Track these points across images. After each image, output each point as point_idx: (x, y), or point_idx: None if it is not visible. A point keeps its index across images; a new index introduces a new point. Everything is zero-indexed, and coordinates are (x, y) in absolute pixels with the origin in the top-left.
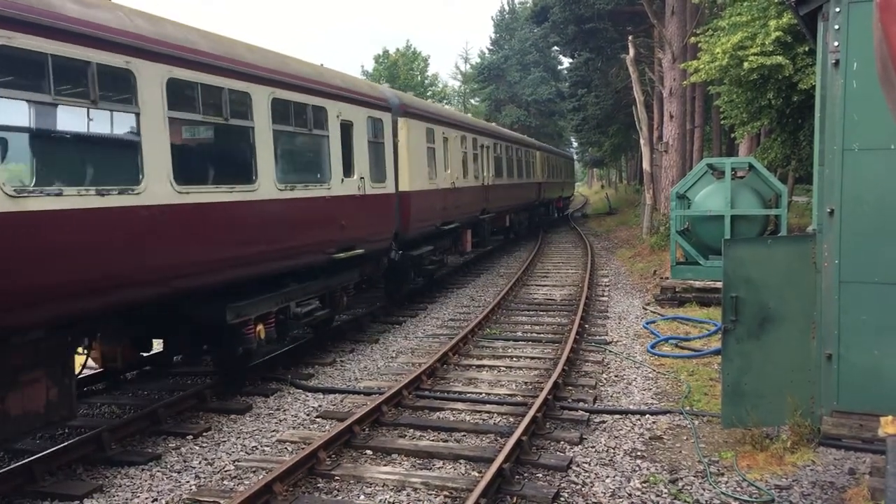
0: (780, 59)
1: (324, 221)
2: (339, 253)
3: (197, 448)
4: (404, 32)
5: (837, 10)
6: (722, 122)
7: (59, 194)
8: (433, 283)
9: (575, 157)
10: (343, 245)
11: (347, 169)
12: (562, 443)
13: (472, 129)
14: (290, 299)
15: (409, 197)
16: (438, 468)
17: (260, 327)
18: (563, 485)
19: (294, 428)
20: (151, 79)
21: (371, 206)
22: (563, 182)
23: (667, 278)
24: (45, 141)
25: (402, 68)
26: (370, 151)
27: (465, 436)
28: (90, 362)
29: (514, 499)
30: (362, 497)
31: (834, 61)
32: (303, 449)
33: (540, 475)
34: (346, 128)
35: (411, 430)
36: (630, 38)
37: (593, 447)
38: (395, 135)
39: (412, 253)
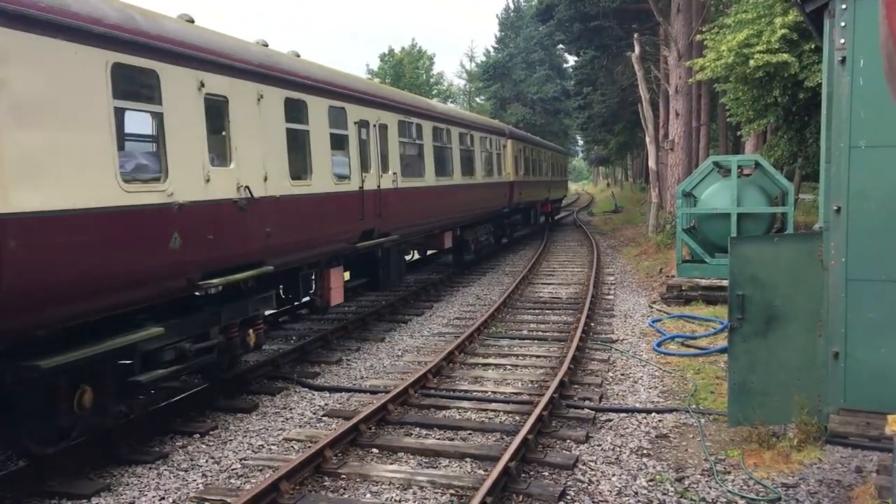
0: (786, 56)
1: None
2: None
3: (204, 447)
4: (410, 31)
5: (844, 7)
6: (728, 119)
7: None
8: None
9: (579, 152)
10: None
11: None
12: (568, 441)
13: (323, 89)
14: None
15: None
16: (444, 466)
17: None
18: (569, 483)
19: (300, 426)
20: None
21: None
22: (551, 181)
23: (673, 276)
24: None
25: (407, 67)
26: None
27: (471, 434)
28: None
29: (521, 497)
30: (368, 495)
31: (840, 58)
32: (309, 447)
33: (546, 473)
34: None
35: (417, 429)
36: (636, 35)
37: (599, 445)
38: None
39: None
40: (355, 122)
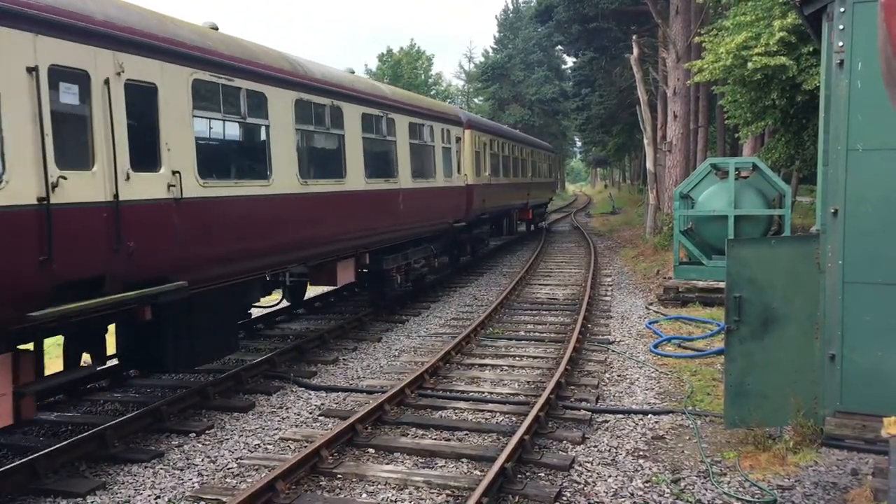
0: (784, 59)
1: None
2: None
3: (200, 446)
4: (408, 31)
5: (842, 10)
6: (726, 121)
7: None
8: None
9: (577, 153)
10: None
11: None
12: (564, 442)
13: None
14: None
15: None
16: (441, 467)
17: None
18: (565, 484)
19: (297, 426)
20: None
21: None
22: (532, 184)
23: (670, 278)
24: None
25: (405, 67)
26: None
27: (467, 435)
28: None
29: (517, 498)
30: (364, 495)
31: (838, 61)
32: (305, 447)
33: (542, 474)
34: None
35: (414, 429)
36: (634, 37)
37: (596, 447)
38: None
39: None
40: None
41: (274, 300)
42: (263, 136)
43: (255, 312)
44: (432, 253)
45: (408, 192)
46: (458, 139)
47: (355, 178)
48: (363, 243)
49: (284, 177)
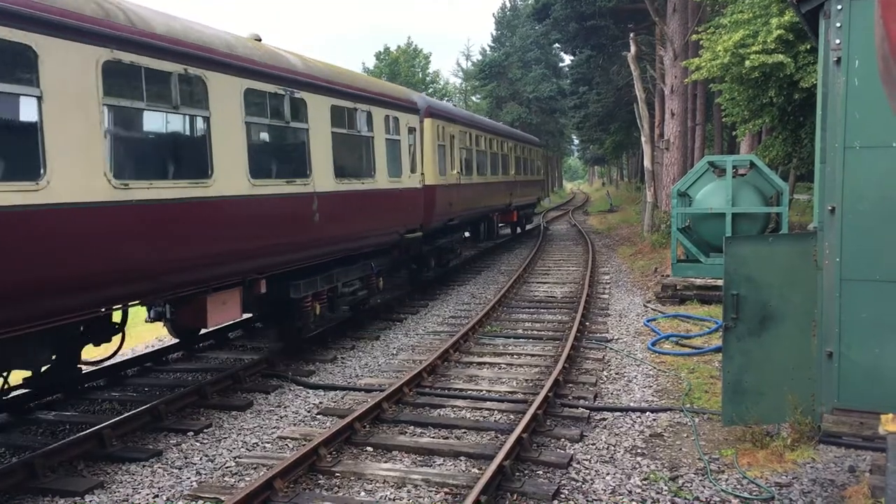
0: (781, 57)
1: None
2: None
3: (198, 444)
4: (406, 29)
5: (839, 7)
6: (723, 119)
7: None
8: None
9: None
10: None
11: None
12: (562, 440)
13: None
14: None
15: None
16: (439, 465)
17: None
18: (563, 482)
19: (295, 425)
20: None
21: None
22: (517, 182)
23: (668, 276)
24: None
25: (403, 66)
26: None
27: (465, 433)
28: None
29: (515, 496)
30: (363, 494)
31: (835, 59)
32: (303, 445)
33: (540, 472)
34: None
35: (412, 427)
36: (632, 35)
37: (594, 444)
38: None
39: None
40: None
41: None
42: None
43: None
44: (372, 272)
45: (328, 196)
46: (413, 130)
47: (232, 178)
48: (255, 266)
49: (70, 177)
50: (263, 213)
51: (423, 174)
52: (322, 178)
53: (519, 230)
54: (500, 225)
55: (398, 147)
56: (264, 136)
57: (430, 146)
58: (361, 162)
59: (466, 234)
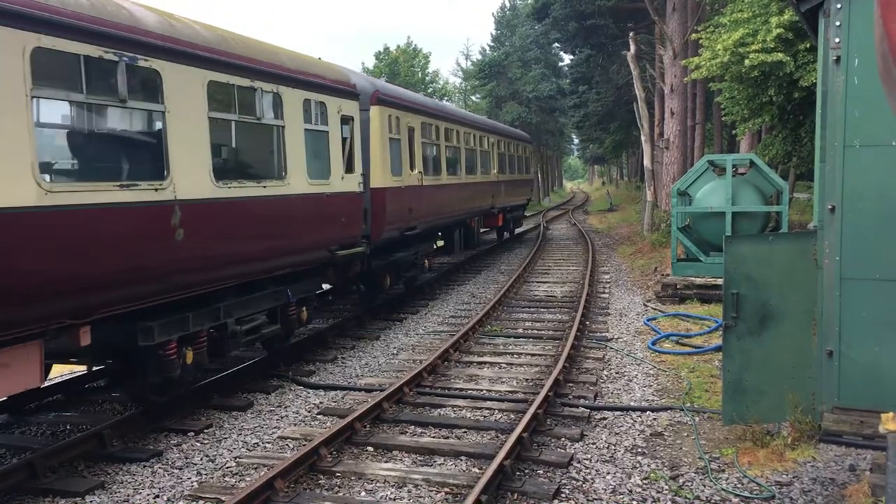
0: (781, 56)
1: None
2: None
3: (198, 445)
4: (405, 29)
5: (839, 6)
6: (723, 118)
7: None
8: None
9: (575, 150)
10: None
11: None
12: (563, 439)
13: None
14: None
15: None
16: (439, 465)
17: None
18: (563, 481)
19: (295, 425)
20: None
21: None
22: (499, 182)
23: (668, 275)
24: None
25: (402, 65)
26: None
27: (466, 432)
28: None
29: (515, 495)
30: (363, 493)
31: (835, 58)
32: (304, 445)
33: (541, 472)
34: None
35: (412, 427)
36: (631, 34)
37: (594, 444)
38: None
39: None
40: None
41: None
42: None
43: None
44: (289, 300)
45: (199, 206)
46: (350, 119)
47: (16, 182)
48: (63, 309)
49: None
50: (70, 235)
51: (364, 175)
52: (189, 180)
53: (507, 235)
54: (484, 230)
55: (324, 140)
56: (81, 123)
57: (378, 140)
58: (263, 159)
59: (439, 243)
